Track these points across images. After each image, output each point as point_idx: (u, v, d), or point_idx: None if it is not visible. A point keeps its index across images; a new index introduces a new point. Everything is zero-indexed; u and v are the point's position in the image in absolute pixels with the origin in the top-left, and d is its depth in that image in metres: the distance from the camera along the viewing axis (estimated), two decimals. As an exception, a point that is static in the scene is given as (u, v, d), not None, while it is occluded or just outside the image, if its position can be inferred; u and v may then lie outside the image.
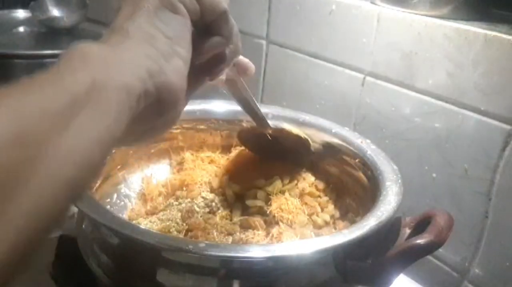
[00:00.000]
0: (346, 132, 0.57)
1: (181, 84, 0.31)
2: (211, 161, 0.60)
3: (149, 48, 0.29)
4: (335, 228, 0.52)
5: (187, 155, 0.60)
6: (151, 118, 0.31)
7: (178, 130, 0.60)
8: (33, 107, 0.22)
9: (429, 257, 0.58)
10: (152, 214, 0.53)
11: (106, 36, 0.30)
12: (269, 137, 0.54)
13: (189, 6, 0.32)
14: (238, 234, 0.48)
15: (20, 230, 0.20)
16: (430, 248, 0.38)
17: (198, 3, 0.32)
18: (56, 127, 0.22)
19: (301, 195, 0.54)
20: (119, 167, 0.56)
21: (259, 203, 0.51)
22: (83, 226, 0.45)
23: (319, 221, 0.51)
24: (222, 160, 0.60)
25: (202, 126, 0.61)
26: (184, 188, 0.55)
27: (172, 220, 0.50)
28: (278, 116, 0.61)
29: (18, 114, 0.21)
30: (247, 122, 0.58)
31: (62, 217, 0.22)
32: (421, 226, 0.40)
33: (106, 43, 0.28)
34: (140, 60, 0.28)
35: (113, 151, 0.52)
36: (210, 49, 0.35)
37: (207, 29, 0.34)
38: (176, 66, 0.30)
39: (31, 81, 0.23)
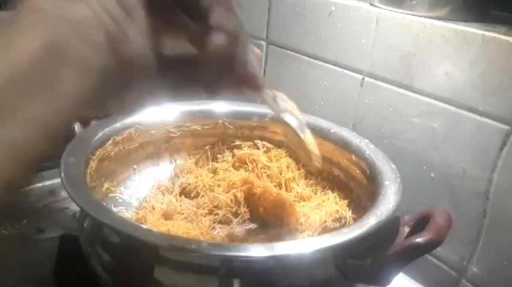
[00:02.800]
0: (345, 132, 0.57)
1: (147, 53, 0.25)
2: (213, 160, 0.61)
3: (112, 3, 0.24)
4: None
5: (187, 156, 0.61)
6: (112, 89, 0.25)
7: (178, 132, 0.60)
8: None
9: (428, 256, 0.58)
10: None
11: None
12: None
13: None
14: None
15: None
16: (429, 247, 0.38)
17: None
18: None
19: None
20: (119, 167, 0.56)
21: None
22: (85, 225, 0.45)
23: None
24: (224, 163, 0.60)
25: (202, 127, 0.61)
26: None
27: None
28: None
29: None
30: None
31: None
32: (420, 224, 0.41)
33: None
34: (100, 18, 0.23)
35: (112, 152, 0.53)
36: (214, 48, 0.27)
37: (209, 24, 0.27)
38: (142, 30, 0.25)
39: None
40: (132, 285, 0.40)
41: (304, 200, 0.56)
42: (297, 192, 0.56)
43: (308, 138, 0.38)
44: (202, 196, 0.55)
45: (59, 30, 0.21)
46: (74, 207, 0.59)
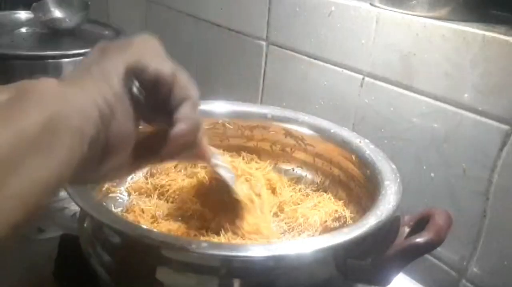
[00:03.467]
0: (345, 132, 0.57)
1: (130, 131, 0.31)
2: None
3: (106, 88, 0.29)
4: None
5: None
6: (94, 163, 0.30)
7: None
8: None
9: (428, 256, 0.58)
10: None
11: (69, 75, 0.30)
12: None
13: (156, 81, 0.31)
14: None
15: None
16: (429, 247, 0.38)
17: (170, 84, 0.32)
18: (4, 172, 0.23)
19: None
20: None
21: None
22: (85, 225, 0.45)
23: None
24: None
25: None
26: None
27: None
28: (278, 116, 0.61)
29: None
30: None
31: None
32: (420, 224, 0.41)
33: (64, 79, 0.28)
34: (96, 100, 0.28)
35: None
36: (175, 137, 0.33)
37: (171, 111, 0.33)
38: (127, 113, 0.30)
39: None
40: (132, 285, 0.40)
41: (297, 203, 0.55)
42: (285, 198, 0.55)
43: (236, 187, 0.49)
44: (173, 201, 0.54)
45: (61, 107, 0.25)
46: (74, 207, 0.59)
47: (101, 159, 0.30)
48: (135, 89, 0.31)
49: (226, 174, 0.47)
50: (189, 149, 0.36)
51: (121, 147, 0.30)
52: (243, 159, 0.61)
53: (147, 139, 0.34)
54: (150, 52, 0.31)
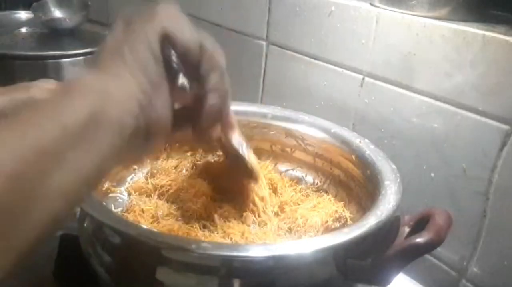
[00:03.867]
0: (345, 132, 0.57)
1: (167, 117, 0.31)
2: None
3: (141, 77, 0.29)
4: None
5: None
6: (137, 145, 0.31)
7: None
8: (30, 146, 0.23)
9: (428, 256, 0.58)
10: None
11: (103, 59, 0.30)
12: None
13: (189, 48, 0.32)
14: None
15: (18, 253, 0.24)
16: (429, 247, 0.38)
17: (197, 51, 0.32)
18: (50, 166, 0.24)
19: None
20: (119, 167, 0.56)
21: None
22: (85, 224, 0.45)
23: None
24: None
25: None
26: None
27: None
28: (278, 116, 0.61)
29: (16, 155, 0.23)
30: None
31: (44, 240, 0.25)
32: (420, 224, 0.41)
33: (102, 70, 0.29)
34: (134, 92, 0.29)
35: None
36: (210, 109, 0.34)
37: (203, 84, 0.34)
38: (163, 99, 0.31)
39: (31, 113, 0.25)
40: (132, 285, 0.40)
41: (297, 204, 0.55)
42: (286, 198, 0.55)
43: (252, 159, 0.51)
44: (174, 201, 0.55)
45: (102, 101, 0.26)
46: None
47: (143, 142, 0.31)
48: (173, 59, 0.32)
49: (242, 143, 0.48)
50: (219, 120, 0.37)
51: (160, 128, 0.31)
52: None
53: (182, 111, 0.35)
54: (175, 22, 0.31)
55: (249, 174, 0.51)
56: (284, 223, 0.52)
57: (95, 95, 0.26)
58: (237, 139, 0.48)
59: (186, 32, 0.32)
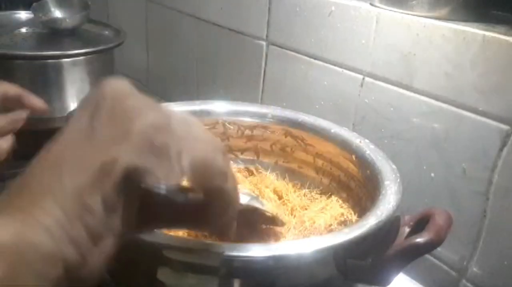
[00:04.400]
0: (345, 132, 0.57)
1: (100, 269, 0.26)
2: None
3: (80, 228, 0.23)
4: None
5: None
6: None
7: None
8: None
9: (428, 256, 0.58)
10: None
11: (34, 175, 0.23)
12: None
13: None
14: None
15: None
16: (429, 247, 0.38)
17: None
18: None
19: None
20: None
21: None
22: (85, 225, 0.45)
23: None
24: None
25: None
26: None
27: None
28: (278, 116, 0.61)
29: None
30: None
31: None
32: (420, 224, 0.41)
33: (25, 212, 0.22)
34: (62, 248, 0.23)
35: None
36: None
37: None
38: (104, 248, 0.25)
39: None
40: (132, 285, 0.40)
41: (304, 209, 0.55)
42: (294, 204, 0.55)
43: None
44: None
45: (15, 265, 0.22)
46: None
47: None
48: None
49: (255, 202, 0.46)
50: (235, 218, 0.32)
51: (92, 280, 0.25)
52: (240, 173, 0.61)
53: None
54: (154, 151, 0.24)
55: (271, 222, 0.48)
56: (294, 228, 0.52)
57: (7, 255, 0.21)
58: (245, 198, 0.44)
59: (165, 166, 0.24)
